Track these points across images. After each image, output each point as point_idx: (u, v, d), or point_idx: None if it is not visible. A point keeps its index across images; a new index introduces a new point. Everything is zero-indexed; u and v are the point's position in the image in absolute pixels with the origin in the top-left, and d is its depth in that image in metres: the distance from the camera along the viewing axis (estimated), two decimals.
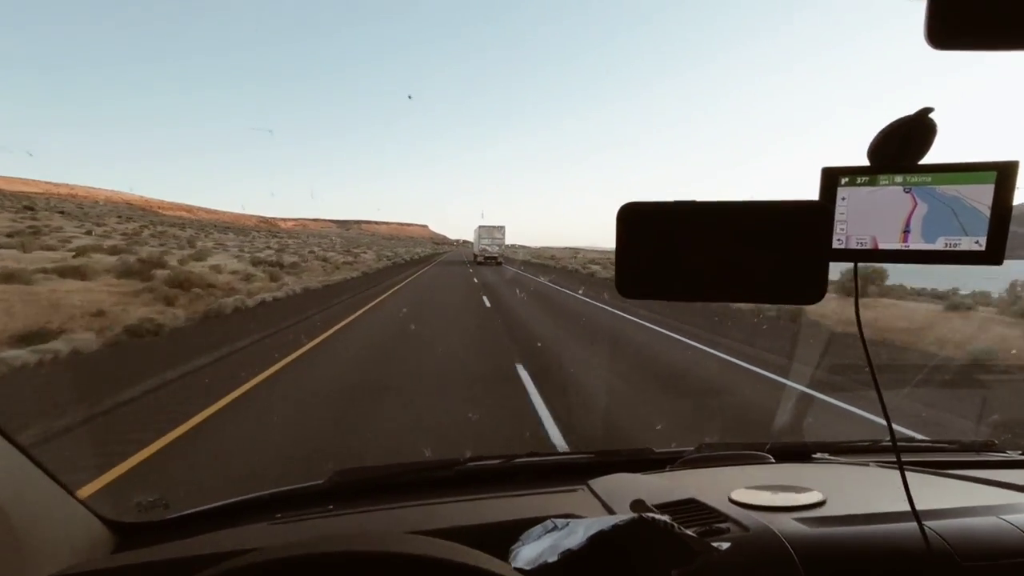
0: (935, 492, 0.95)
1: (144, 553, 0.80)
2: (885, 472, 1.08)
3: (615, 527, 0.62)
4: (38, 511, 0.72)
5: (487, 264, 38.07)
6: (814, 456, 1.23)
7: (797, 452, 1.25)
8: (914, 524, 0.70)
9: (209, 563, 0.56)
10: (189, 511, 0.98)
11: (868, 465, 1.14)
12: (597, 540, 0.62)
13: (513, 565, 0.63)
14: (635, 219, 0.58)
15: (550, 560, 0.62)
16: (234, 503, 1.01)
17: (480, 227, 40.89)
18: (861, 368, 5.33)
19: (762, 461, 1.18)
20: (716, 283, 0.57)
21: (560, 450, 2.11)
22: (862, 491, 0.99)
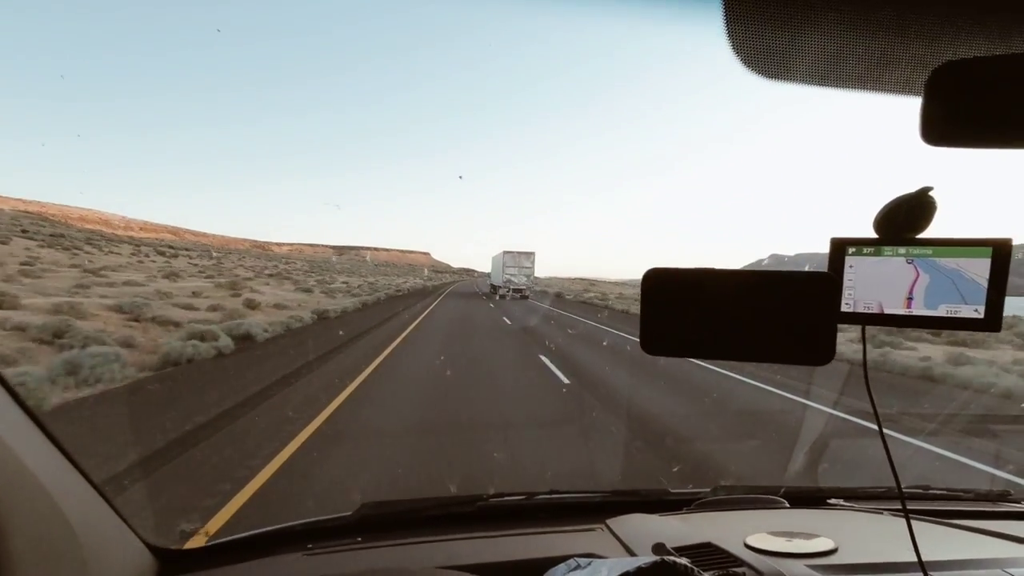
0: (944, 543, 0.99)
1: None
2: (896, 521, 1.09)
3: (639, 569, 0.69)
4: (98, 536, 0.76)
5: (510, 298, 30.05)
6: (828, 502, 1.24)
7: (811, 498, 1.26)
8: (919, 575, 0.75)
9: None
10: (227, 539, 1.02)
11: (882, 513, 1.16)
12: None
13: None
14: (659, 283, 0.63)
15: None
16: (267, 532, 1.06)
17: (505, 253, 31.95)
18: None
19: (777, 506, 1.20)
20: (733, 344, 0.62)
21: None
22: (872, 540, 1.02)
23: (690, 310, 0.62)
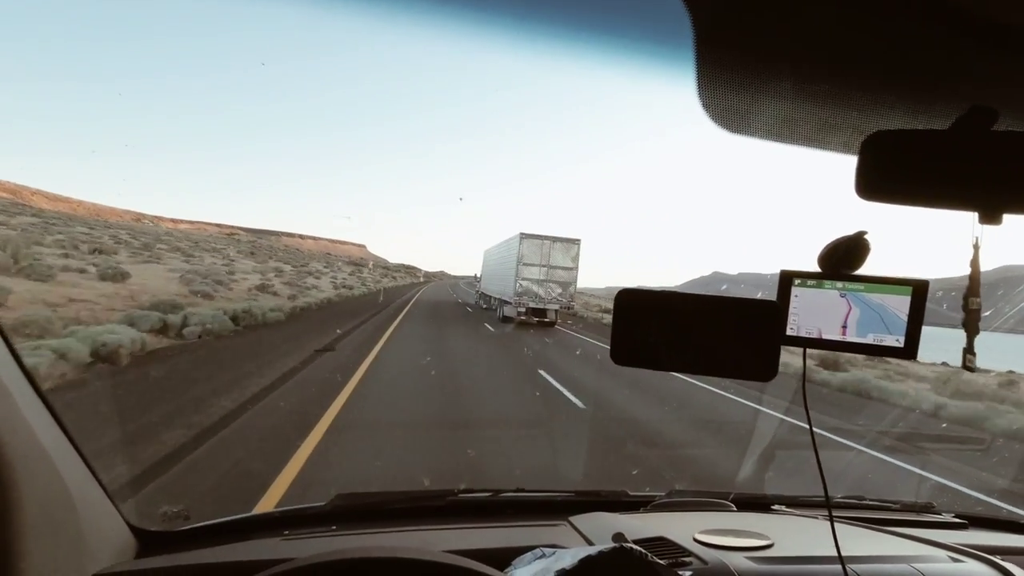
0: (866, 543, 1.21)
1: (169, 559, 0.97)
2: (828, 524, 1.32)
3: (600, 553, 0.84)
4: (90, 513, 0.86)
5: (524, 319, 18.16)
6: (771, 508, 1.46)
7: (756, 503, 1.50)
8: (839, 567, 0.93)
9: (230, 571, 0.75)
10: (206, 523, 1.15)
11: (817, 518, 1.39)
12: (585, 562, 0.82)
13: None
14: (629, 302, 0.77)
15: None
16: (246, 518, 1.21)
17: (523, 238, 18.56)
18: None
19: (725, 509, 1.41)
20: (691, 358, 0.77)
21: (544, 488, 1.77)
22: (805, 539, 1.24)
23: (655, 327, 0.76)
